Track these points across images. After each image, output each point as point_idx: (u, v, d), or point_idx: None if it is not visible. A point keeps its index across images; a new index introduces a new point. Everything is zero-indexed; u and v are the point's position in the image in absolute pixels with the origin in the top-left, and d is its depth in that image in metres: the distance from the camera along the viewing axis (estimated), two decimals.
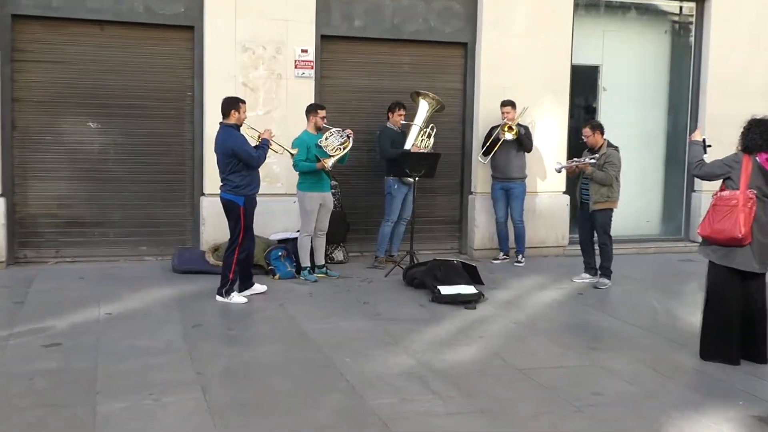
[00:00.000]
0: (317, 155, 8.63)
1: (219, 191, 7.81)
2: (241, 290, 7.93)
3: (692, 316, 7.64)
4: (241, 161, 7.57)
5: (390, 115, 9.66)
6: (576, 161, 8.93)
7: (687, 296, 8.68)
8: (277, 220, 9.64)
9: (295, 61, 9.72)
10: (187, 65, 9.63)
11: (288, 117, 9.65)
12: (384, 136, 9.62)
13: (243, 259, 7.82)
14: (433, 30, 10.34)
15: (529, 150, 10.00)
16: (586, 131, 8.84)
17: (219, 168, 7.75)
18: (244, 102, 7.79)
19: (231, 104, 7.70)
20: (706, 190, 11.35)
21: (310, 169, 8.66)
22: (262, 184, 9.66)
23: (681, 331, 7.21)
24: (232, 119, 7.67)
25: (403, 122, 9.65)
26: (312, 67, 9.81)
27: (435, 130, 9.76)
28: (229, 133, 7.62)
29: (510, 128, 9.77)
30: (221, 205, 7.82)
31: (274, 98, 9.70)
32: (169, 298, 7.95)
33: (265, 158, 7.77)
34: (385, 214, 9.71)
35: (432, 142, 9.76)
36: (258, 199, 9.53)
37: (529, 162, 10.22)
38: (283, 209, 9.57)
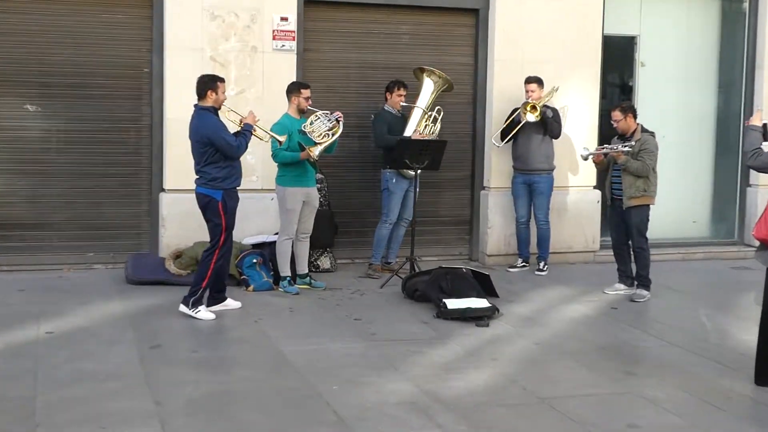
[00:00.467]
0: (301, 143, 8.61)
1: (194, 185, 7.81)
2: (209, 305, 7.91)
3: (747, 334, 7.60)
4: (219, 150, 7.56)
5: (388, 96, 9.65)
6: (607, 148, 8.92)
7: (741, 311, 8.66)
8: (251, 220, 9.61)
9: (274, 31, 9.70)
10: (145, 36, 9.60)
11: (264, 97, 9.63)
12: (379, 121, 9.60)
13: (219, 267, 7.81)
14: None
15: (556, 135, 9.99)
16: (616, 114, 8.84)
17: (194, 158, 7.76)
18: (222, 81, 7.79)
19: (207, 83, 7.70)
20: (765, 185, 11.36)
21: (292, 160, 8.64)
22: None
23: (734, 352, 7.19)
24: (209, 101, 7.67)
25: (404, 104, 9.63)
26: (293, 39, 9.78)
27: (442, 113, 9.74)
28: (205, 117, 7.62)
29: (533, 108, 9.73)
30: (195, 202, 7.81)
31: (248, 75, 9.68)
32: (122, 313, 7.91)
33: (246, 146, 7.78)
34: (382, 214, 9.69)
35: (438, 128, 9.74)
36: None
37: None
38: (258, 208, 9.55)
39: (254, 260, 8.96)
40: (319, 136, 8.71)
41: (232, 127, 7.91)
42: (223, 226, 7.71)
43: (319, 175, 9.82)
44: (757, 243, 6.37)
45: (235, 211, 7.84)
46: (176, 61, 9.40)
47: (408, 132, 9.60)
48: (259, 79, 9.70)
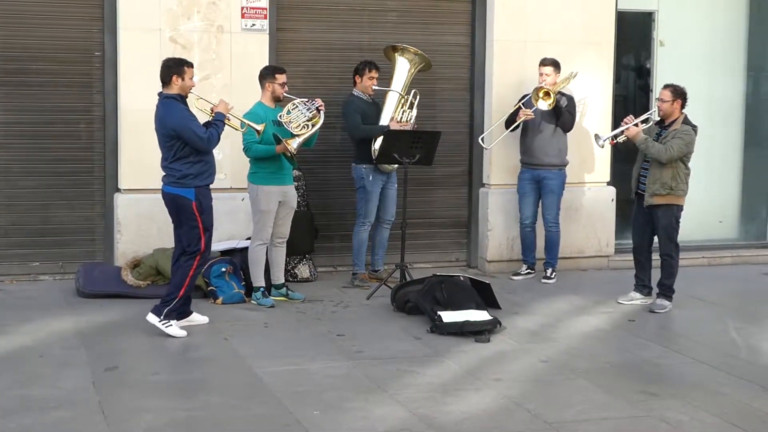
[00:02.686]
0: (276, 135, 8.59)
1: (161, 184, 7.81)
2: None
3: None
4: (187, 143, 7.57)
5: (357, 79, 9.62)
6: (624, 128, 8.87)
7: None
8: (219, 224, 9.50)
9: (242, 8, 9.70)
10: (95, 15, 9.58)
11: (233, 84, 9.62)
12: (351, 109, 9.57)
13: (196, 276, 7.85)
14: None
15: (567, 128, 9.99)
16: (665, 94, 8.75)
17: (161, 153, 7.76)
18: (191, 65, 7.80)
19: (172, 68, 7.71)
20: None
21: (267, 155, 8.63)
22: None
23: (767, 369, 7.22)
24: (174, 88, 7.68)
25: (376, 88, 9.61)
26: (265, 17, 9.78)
27: (419, 98, 9.71)
28: (171, 106, 7.62)
29: (547, 94, 9.72)
30: (154, 204, 7.87)
31: (213, 59, 9.67)
32: (73, 331, 7.88)
33: (218, 138, 7.78)
34: (358, 216, 9.69)
35: (415, 115, 9.68)
36: None
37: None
38: (227, 209, 9.53)
39: (223, 269, 8.95)
40: (297, 127, 8.69)
41: (203, 117, 7.89)
42: (200, 228, 7.71)
43: (297, 173, 9.82)
44: None
45: (212, 210, 7.84)
46: (131, 43, 9.38)
47: (384, 121, 9.56)
48: (227, 64, 9.69)
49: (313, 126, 8.74)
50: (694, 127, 8.81)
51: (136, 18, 9.43)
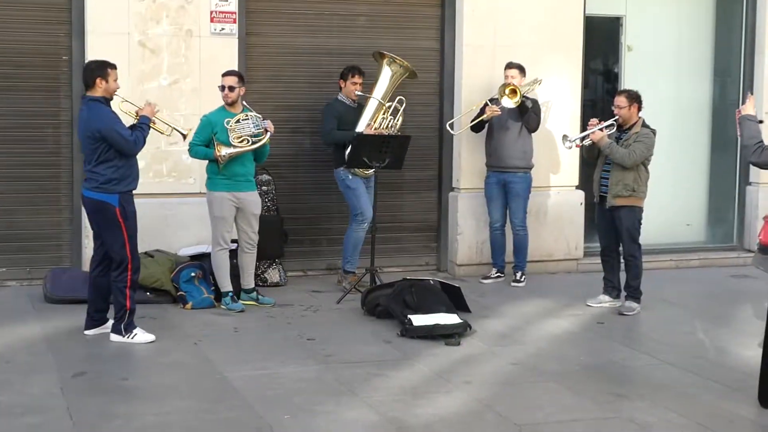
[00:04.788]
0: (215, 139, 8.62)
1: (83, 190, 7.76)
2: (87, 327, 7.89)
3: (749, 350, 7.71)
4: (113, 146, 7.55)
5: (342, 84, 9.66)
6: (589, 131, 8.95)
7: (742, 324, 8.77)
8: (188, 229, 9.58)
9: (212, 12, 9.69)
10: (63, 19, 9.54)
11: (202, 88, 9.60)
12: (328, 114, 9.59)
13: (101, 284, 7.77)
14: None
15: (533, 129, 10.05)
16: (621, 100, 8.88)
17: (84, 157, 7.74)
18: (114, 67, 7.74)
19: (95, 71, 7.66)
20: (766, 183, 11.52)
21: (206, 157, 8.73)
22: (168, 179, 9.66)
23: (735, 371, 7.27)
24: (98, 91, 7.63)
25: (359, 93, 9.64)
26: (234, 21, 9.77)
27: (405, 104, 9.76)
28: (96, 109, 7.58)
29: (513, 91, 9.77)
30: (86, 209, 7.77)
31: (182, 63, 9.65)
32: (40, 336, 7.84)
33: (144, 141, 7.74)
34: (353, 215, 9.64)
35: (400, 122, 9.76)
36: (164, 200, 9.47)
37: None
38: (196, 213, 9.50)
39: (192, 274, 8.93)
40: (237, 138, 8.68)
41: (128, 121, 7.85)
42: (125, 236, 7.64)
43: (267, 177, 9.84)
44: (755, 248, 6.44)
45: (136, 216, 7.78)
46: (99, 47, 9.31)
47: (360, 127, 9.58)
48: (196, 68, 9.67)
49: (252, 144, 8.71)
50: (653, 130, 8.92)
51: (105, 22, 9.40)
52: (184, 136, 8.28)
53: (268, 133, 8.78)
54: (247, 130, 8.73)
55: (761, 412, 6.36)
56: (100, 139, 7.51)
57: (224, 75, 8.81)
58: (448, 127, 10.25)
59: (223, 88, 8.74)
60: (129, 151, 7.60)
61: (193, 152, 8.75)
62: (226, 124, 8.65)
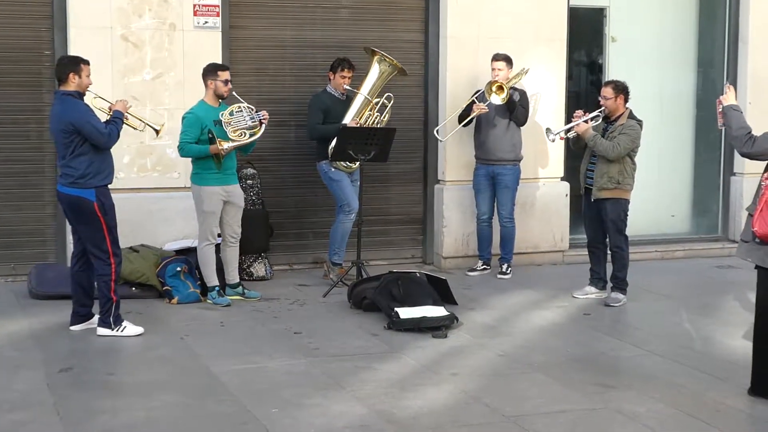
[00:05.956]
0: (212, 134, 8.57)
1: (58, 186, 7.75)
2: (73, 323, 7.88)
3: (735, 340, 7.76)
4: (87, 139, 7.53)
5: (331, 76, 9.65)
6: (574, 123, 8.97)
7: (727, 315, 8.83)
8: (173, 223, 9.56)
9: (195, 5, 9.65)
10: (45, 13, 9.50)
11: (186, 82, 9.58)
12: (314, 108, 9.59)
13: (83, 279, 7.78)
14: None
15: (521, 122, 10.05)
16: (607, 91, 8.88)
17: (58, 152, 7.73)
18: (87, 63, 7.74)
19: (67, 65, 7.67)
20: (751, 173, 11.54)
21: (200, 154, 8.62)
22: (152, 173, 9.63)
23: (721, 360, 7.32)
24: (71, 85, 7.63)
25: (348, 87, 9.63)
26: (218, 14, 9.75)
27: (393, 100, 9.75)
28: (68, 102, 7.58)
29: (500, 88, 9.78)
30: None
31: (166, 57, 9.62)
32: (26, 332, 7.83)
33: (118, 135, 7.74)
34: (339, 207, 9.63)
35: (387, 118, 9.75)
36: (148, 195, 9.45)
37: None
38: (181, 208, 9.49)
39: (178, 268, 8.91)
40: (236, 132, 8.67)
41: (101, 117, 7.83)
42: (105, 229, 7.64)
43: (251, 171, 9.82)
44: (738, 238, 6.43)
45: (114, 210, 7.77)
46: (81, 42, 9.28)
47: (346, 121, 9.57)
48: (179, 62, 9.64)
49: (251, 136, 8.72)
50: (639, 122, 8.91)
51: (87, 16, 9.36)
52: (157, 132, 8.23)
53: (263, 125, 8.76)
54: (244, 123, 8.71)
55: (750, 401, 6.41)
56: (74, 131, 7.50)
57: (222, 69, 8.75)
58: (435, 134, 10.23)
59: (226, 82, 8.70)
60: (103, 144, 7.59)
61: (186, 151, 8.62)
62: (221, 117, 8.62)
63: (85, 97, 7.73)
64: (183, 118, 8.70)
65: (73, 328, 7.87)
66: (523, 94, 10.07)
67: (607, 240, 9.07)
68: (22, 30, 9.48)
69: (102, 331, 7.72)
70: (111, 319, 7.70)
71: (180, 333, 7.88)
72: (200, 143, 8.58)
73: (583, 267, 9.45)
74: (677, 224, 12.10)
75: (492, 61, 9.94)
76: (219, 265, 8.93)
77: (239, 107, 8.74)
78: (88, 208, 7.60)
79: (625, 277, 9.03)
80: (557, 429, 5.90)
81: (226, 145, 8.57)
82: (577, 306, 8.96)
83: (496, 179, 10.09)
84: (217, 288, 8.82)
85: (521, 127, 10.11)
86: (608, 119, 8.94)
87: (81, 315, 7.90)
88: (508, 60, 9.94)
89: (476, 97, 9.93)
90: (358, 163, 9.51)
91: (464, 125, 10.06)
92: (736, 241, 10.93)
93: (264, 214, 9.90)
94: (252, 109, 8.78)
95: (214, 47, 9.69)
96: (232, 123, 8.68)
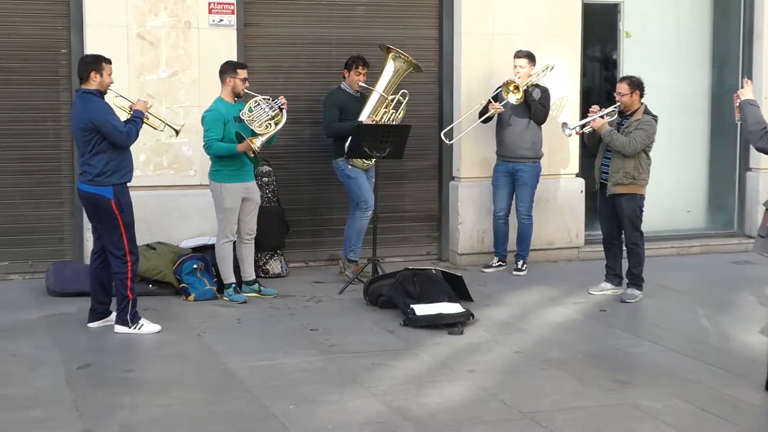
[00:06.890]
0: (239, 133, 8.59)
1: (78, 183, 7.79)
2: (90, 320, 7.91)
3: (752, 336, 7.74)
4: (106, 137, 7.56)
5: (346, 73, 9.65)
6: (590, 119, 8.95)
7: (744, 311, 8.80)
8: (189, 220, 9.59)
9: (210, 3, 9.67)
10: (61, 12, 9.53)
11: (201, 80, 9.60)
12: (329, 105, 9.59)
13: (101, 276, 7.81)
14: None
15: (539, 121, 10.01)
16: (623, 87, 8.87)
17: (78, 150, 7.78)
18: (109, 62, 7.77)
19: (90, 64, 7.70)
20: (766, 168, 11.55)
21: (228, 153, 8.63)
22: (168, 171, 9.66)
23: (738, 356, 7.31)
24: (93, 84, 7.67)
25: (363, 85, 9.64)
26: (233, 12, 9.76)
27: (408, 97, 9.75)
28: (89, 101, 7.62)
29: (516, 88, 9.76)
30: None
31: (181, 55, 9.64)
32: (45, 329, 7.86)
33: (137, 135, 7.78)
34: (355, 204, 9.62)
35: (402, 115, 9.75)
36: (165, 192, 9.47)
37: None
38: (197, 206, 9.52)
39: (195, 266, 8.93)
40: (260, 126, 8.71)
41: (122, 116, 7.87)
42: (122, 227, 7.67)
43: (267, 168, 9.83)
44: (754, 234, 6.43)
45: (132, 208, 7.80)
46: (98, 39, 9.31)
47: (362, 118, 9.58)
48: (195, 60, 9.66)
49: (276, 124, 8.76)
50: (655, 117, 8.90)
51: (103, 14, 9.39)
52: (177, 132, 8.26)
53: (284, 111, 8.78)
54: (265, 114, 8.74)
55: (765, 397, 6.39)
56: (93, 129, 7.53)
57: (240, 67, 8.78)
58: (443, 137, 10.21)
59: (244, 80, 8.72)
60: (122, 142, 7.62)
61: (214, 149, 8.61)
62: (241, 115, 8.65)
63: (106, 96, 7.75)
64: (203, 116, 8.69)
65: (90, 325, 7.91)
66: (545, 91, 10.02)
67: (623, 236, 9.06)
68: (38, 29, 9.51)
69: (119, 328, 7.77)
70: (128, 317, 7.74)
71: (197, 330, 7.91)
72: (224, 140, 8.60)
73: (599, 263, 9.44)
74: (693, 220, 12.07)
75: (514, 57, 9.91)
76: (235, 262, 8.96)
77: (256, 101, 8.77)
78: (106, 205, 7.64)
79: (641, 273, 9.01)
80: (574, 425, 5.90)
81: (258, 141, 8.59)
82: (593, 302, 8.95)
83: (515, 176, 10.08)
84: (233, 285, 8.84)
85: (541, 125, 10.09)
86: (623, 114, 8.93)
87: (99, 312, 7.94)
88: (530, 57, 9.90)
89: (493, 97, 9.93)
90: (373, 160, 9.51)
91: (483, 122, 10.05)
92: (752, 236, 10.90)
93: (280, 212, 9.92)
94: (268, 99, 8.79)
95: (229, 45, 9.71)
96: (254, 118, 8.70)
